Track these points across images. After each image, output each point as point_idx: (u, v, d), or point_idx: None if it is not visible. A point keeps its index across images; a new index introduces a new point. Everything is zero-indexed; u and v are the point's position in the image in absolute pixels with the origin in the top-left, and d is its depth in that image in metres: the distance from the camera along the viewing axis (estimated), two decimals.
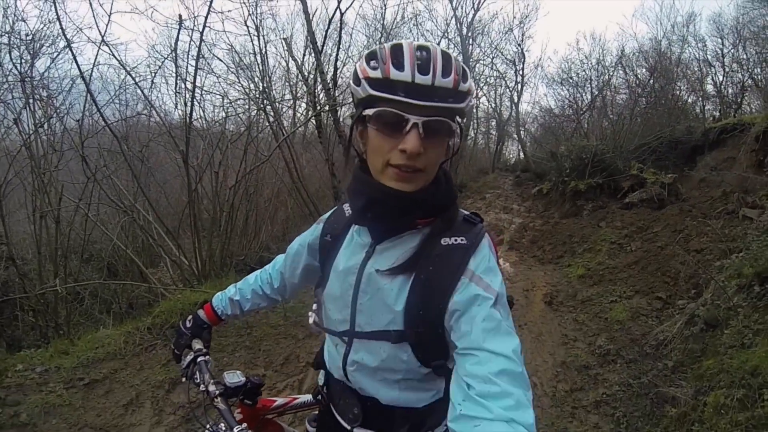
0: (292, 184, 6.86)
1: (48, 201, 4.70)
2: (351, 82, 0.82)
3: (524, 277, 6.00)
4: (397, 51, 0.75)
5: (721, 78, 10.81)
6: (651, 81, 10.27)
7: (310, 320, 1.08)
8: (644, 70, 10.96)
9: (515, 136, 15.92)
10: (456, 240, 0.83)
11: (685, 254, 4.63)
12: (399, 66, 0.74)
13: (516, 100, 15.32)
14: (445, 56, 0.76)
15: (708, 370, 2.81)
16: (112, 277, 5.87)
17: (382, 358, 0.87)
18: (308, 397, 1.38)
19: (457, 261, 0.80)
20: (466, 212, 0.91)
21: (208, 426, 1.02)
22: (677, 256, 4.80)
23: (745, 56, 10.53)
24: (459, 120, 0.81)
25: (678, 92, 10.60)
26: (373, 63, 0.76)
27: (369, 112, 0.77)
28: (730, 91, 10.68)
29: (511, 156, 18.59)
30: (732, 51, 10.72)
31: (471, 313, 0.74)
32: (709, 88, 11.06)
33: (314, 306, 1.09)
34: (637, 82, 10.77)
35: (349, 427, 0.99)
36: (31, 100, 4.88)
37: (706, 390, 2.67)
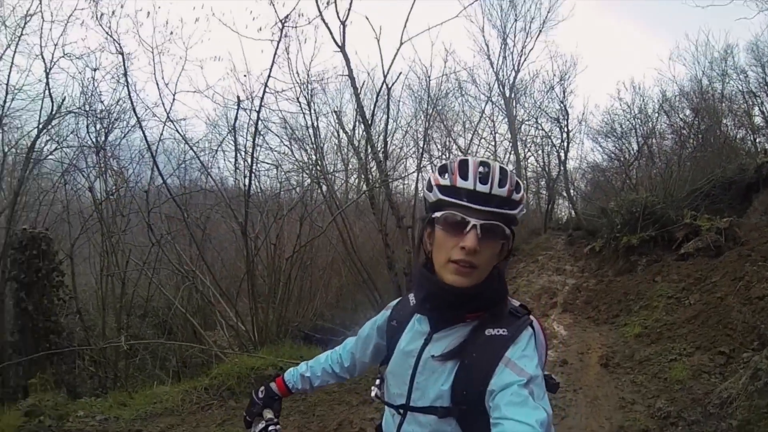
0: (346, 253, 7.10)
1: (116, 262, 5.26)
2: (425, 188, 1.02)
3: (579, 339, 5.79)
4: (463, 165, 0.93)
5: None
6: (696, 121, 9.93)
7: (372, 393, 1.19)
8: (688, 111, 10.64)
9: (564, 194, 15.62)
10: (498, 331, 0.94)
11: (743, 304, 4.35)
12: (464, 176, 0.91)
13: (563, 157, 15.22)
14: (503, 171, 0.93)
15: None
16: (167, 335, 6.21)
17: (428, 431, 0.98)
18: None
19: (497, 350, 0.91)
20: (517, 304, 1.04)
21: None
22: (738, 307, 4.51)
23: None
24: (512, 227, 0.96)
25: (725, 129, 10.11)
26: (443, 174, 0.95)
27: (437, 214, 0.93)
28: None
29: (562, 214, 18.01)
30: None
31: (504, 392, 0.85)
32: (758, 119, 10.47)
33: (377, 381, 1.20)
34: (682, 125, 10.46)
35: None
36: (104, 171, 5.61)
37: None
